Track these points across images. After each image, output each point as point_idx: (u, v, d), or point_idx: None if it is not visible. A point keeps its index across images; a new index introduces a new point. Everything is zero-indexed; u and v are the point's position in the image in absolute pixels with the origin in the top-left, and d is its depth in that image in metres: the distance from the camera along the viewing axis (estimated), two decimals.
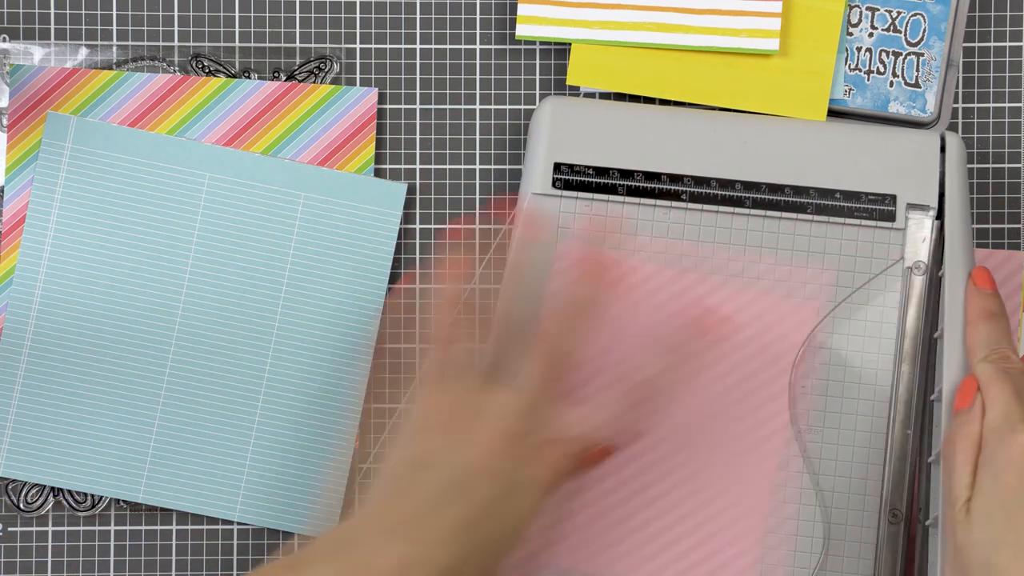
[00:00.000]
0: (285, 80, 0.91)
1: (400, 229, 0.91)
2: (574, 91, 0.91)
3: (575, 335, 0.84)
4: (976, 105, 0.92)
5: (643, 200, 0.88)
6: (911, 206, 0.88)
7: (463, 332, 0.85)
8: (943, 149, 0.88)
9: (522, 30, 0.91)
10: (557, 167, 0.88)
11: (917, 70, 0.90)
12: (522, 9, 0.90)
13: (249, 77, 0.90)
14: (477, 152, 0.92)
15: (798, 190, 0.88)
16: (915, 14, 0.90)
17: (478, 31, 0.92)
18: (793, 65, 0.89)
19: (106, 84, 0.90)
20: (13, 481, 0.91)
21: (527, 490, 0.80)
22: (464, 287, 0.87)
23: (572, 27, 0.90)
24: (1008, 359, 0.82)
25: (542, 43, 0.91)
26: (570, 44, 0.90)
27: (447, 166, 0.92)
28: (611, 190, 0.88)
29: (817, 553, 0.87)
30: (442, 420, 0.82)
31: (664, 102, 0.91)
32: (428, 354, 0.85)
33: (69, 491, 0.91)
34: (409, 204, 0.91)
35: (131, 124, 0.90)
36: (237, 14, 0.91)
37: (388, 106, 0.92)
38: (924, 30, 0.90)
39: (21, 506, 0.91)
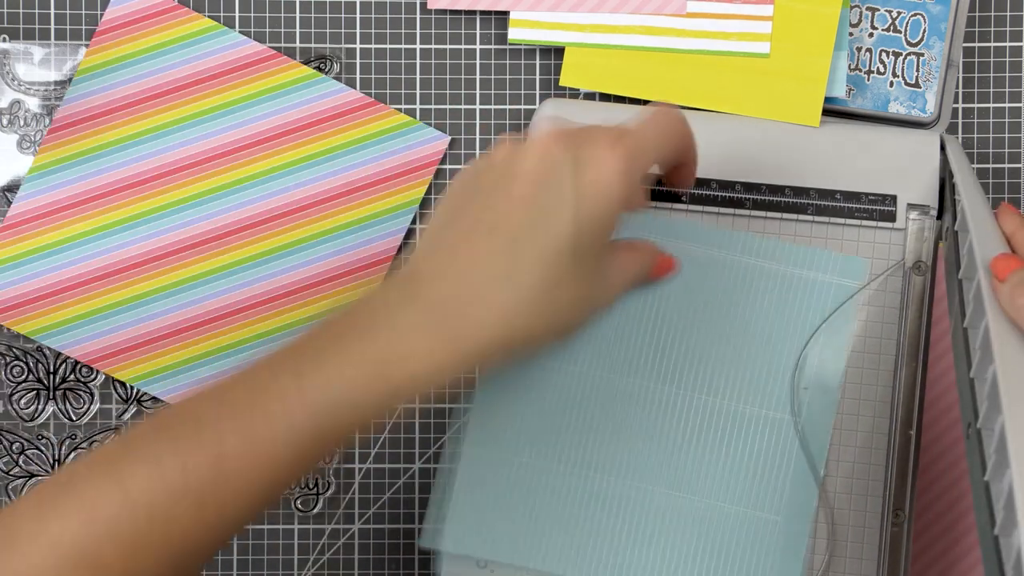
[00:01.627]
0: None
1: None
2: (574, 92, 0.91)
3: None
4: (976, 105, 0.92)
5: None
6: (911, 206, 0.88)
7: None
8: (943, 149, 0.88)
9: (514, 34, 0.91)
10: None
11: (917, 70, 0.90)
12: (514, 13, 0.90)
13: (339, 77, 0.91)
14: (477, 152, 0.92)
15: (798, 191, 0.88)
16: (915, 14, 0.90)
17: (478, 31, 0.92)
18: (786, 70, 0.89)
19: (185, 36, 0.90)
20: (14, 480, 0.91)
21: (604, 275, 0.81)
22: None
23: (564, 31, 0.90)
24: None
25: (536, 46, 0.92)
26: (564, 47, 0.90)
27: (447, 166, 0.92)
28: None
29: (821, 554, 0.87)
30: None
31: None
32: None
33: None
34: None
35: (198, 83, 0.90)
36: (237, 14, 0.91)
37: (388, 106, 0.92)
38: (924, 30, 0.90)
39: None
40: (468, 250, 0.78)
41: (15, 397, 0.91)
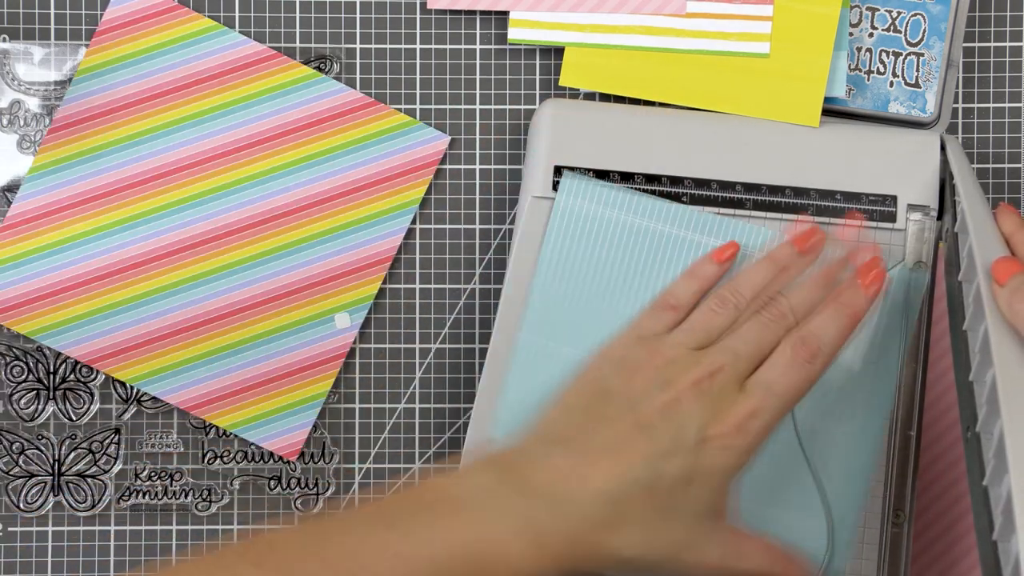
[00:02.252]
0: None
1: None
2: (574, 92, 0.91)
3: (835, 331, 0.84)
4: (976, 105, 0.92)
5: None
6: (911, 206, 0.88)
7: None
8: (943, 149, 0.88)
9: (514, 34, 0.91)
10: (557, 170, 0.88)
11: (917, 70, 0.90)
12: (514, 13, 0.90)
13: (339, 77, 0.91)
14: (477, 152, 0.92)
15: (798, 191, 0.88)
16: (915, 14, 0.90)
17: (478, 31, 0.92)
18: (786, 70, 0.89)
19: (185, 36, 0.90)
20: (14, 480, 0.91)
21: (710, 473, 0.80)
22: (721, 274, 0.87)
23: (564, 31, 0.90)
24: None
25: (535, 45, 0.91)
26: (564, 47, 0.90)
27: (447, 166, 0.92)
28: None
29: (820, 554, 0.87)
30: (647, 363, 0.82)
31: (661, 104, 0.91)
32: (649, 314, 0.85)
33: (69, 491, 0.91)
34: None
35: (198, 83, 0.90)
36: (237, 14, 0.91)
37: (388, 106, 0.92)
38: (924, 30, 0.90)
39: (21, 506, 0.91)
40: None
41: (15, 397, 0.91)
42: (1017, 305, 0.77)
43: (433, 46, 0.92)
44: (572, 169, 0.88)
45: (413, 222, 0.92)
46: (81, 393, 0.91)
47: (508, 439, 0.81)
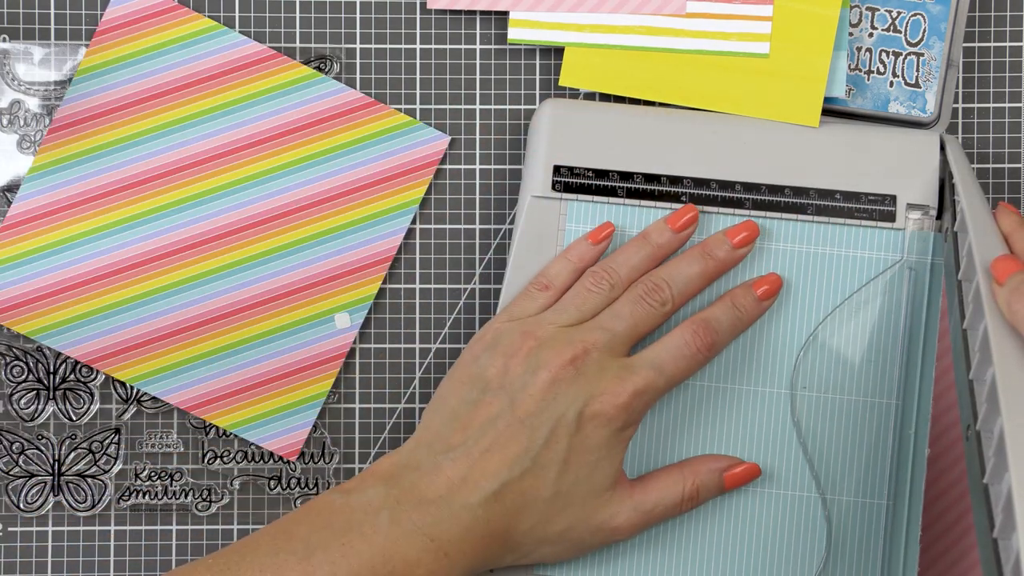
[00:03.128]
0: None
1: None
2: (574, 92, 0.91)
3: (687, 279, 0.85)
4: (976, 105, 0.92)
5: (643, 202, 0.88)
6: (911, 206, 0.88)
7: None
8: (943, 149, 0.88)
9: (514, 34, 0.91)
10: (557, 170, 0.88)
11: (917, 70, 0.90)
12: (514, 13, 0.90)
13: (339, 77, 0.91)
14: (477, 152, 0.92)
15: (798, 191, 0.88)
16: (915, 14, 0.90)
17: (478, 31, 0.92)
18: (785, 70, 0.89)
19: (185, 36, 0.90)
20: (14, 480, 0.91)
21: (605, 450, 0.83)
22: (598, 256, 0.87)
23: (564, 31, 0.90)
24: None
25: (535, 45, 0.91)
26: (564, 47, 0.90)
27: (447, 166, 0.92)
28: (611, 192, 0.88)
29: (820, 555, 0.87)
30: (519, 344, 0.83)
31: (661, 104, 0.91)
32: (523, 294, 0.86)
33: (69, 491, 0.91)
34: None
35: (198, 83, 0.90)
36: (237, 14, 0.91)
37: (388, 106, 0.92)
38: (924, 30, 0.90)
39: (21, 506, 0.91)
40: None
41: (15, 397, 0.91)
42: (1016, 304, 0.77)
43: (433, 46, 0.92)
44: (571, 170, 0.88)
45: (413, 222, 0.92)
46: (81, 393, 0.91)
47: (398, 448, 0.84)
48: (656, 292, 0.85)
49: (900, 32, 0.90)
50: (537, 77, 0.92)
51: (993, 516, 0.74)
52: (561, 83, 0.91)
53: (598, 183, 0.88)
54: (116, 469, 0.91)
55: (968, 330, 0.80)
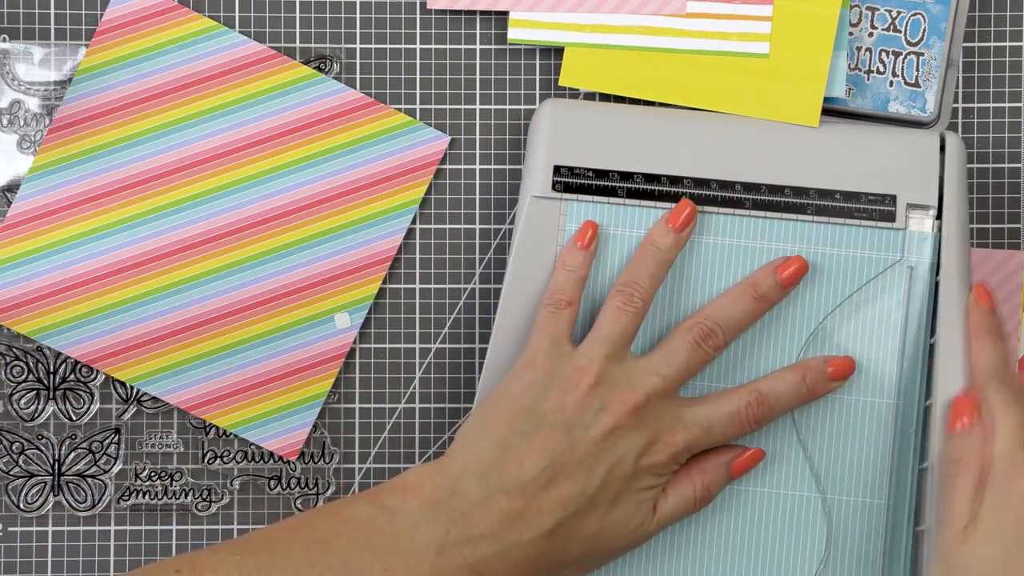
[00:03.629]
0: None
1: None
2: (574, 92, 0.91)
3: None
4: (976, 105, 0.92)
5: (643, 202, 0.88)
6: (911, 206, 0.88)
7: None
8: (943, 149, 0.88)
9: (514, 34, 0.91)
10: (557, 170, 0.88)
11: (917, 70, 0.90)
12: (514, 13, 0.90)
13: (339, 77, 0.91)
14: (477, 152, 0.92)
15: (798, 191, 0.88)
16: (915, 14, 0.90)
17: (478, 31, 0.92)
18: (785, 70, 0.89)
19: (185, 36, 0.90)
20: (14, 480, 0.91)
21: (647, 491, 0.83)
22: (591, 258, 0.87)
23: (564, 31, 0.90)
24: (1017, 381, 0.82)
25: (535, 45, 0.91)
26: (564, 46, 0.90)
27: (447, 166, 0.92)
28: (611, 192, 0.88)
29: (820, 555, 0.87)
30: (576, 380, 0.83)
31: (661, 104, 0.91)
32: (549, 315, 0.85)
33: (69, 491, 0.91)
34: None
35: (198, 83, 0.90)
36: (237, 14, 0.91)
37: (388, 106, 0.92)
38: (924, 30, 0.90)
39: (21, 506, 0.91)
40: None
41: (15, 397, 0.91)
42: (950, 467, 0.82)
43: (433, 46, 0.92)
44: (571, 170, 0.88)
45: (413, 222, 0.92)
46: (81, 393, 0.91)
47: (439, 466, 0.82)
48: (711, 337, 0.85)
49: (900, 32, 0.90)
50: (537, 77, 0.92)
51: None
52: (561, 83, 0.91)
53: (598, 183, 0.88)
54: (116, 469, 0.91)
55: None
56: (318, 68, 0.91)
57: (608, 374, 0.83)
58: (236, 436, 0.92)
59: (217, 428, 0.92)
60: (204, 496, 0.92)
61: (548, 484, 0.81)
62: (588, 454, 0.82)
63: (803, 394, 0.86)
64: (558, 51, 0.91)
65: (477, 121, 0.92)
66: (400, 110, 0.92)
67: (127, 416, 0.92)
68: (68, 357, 0.91)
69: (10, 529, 0.91)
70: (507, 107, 0.92)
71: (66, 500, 0.91)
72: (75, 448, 0.91)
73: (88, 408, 0.91)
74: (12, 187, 0.91)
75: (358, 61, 0.92)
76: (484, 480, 0.81)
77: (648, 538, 0.85)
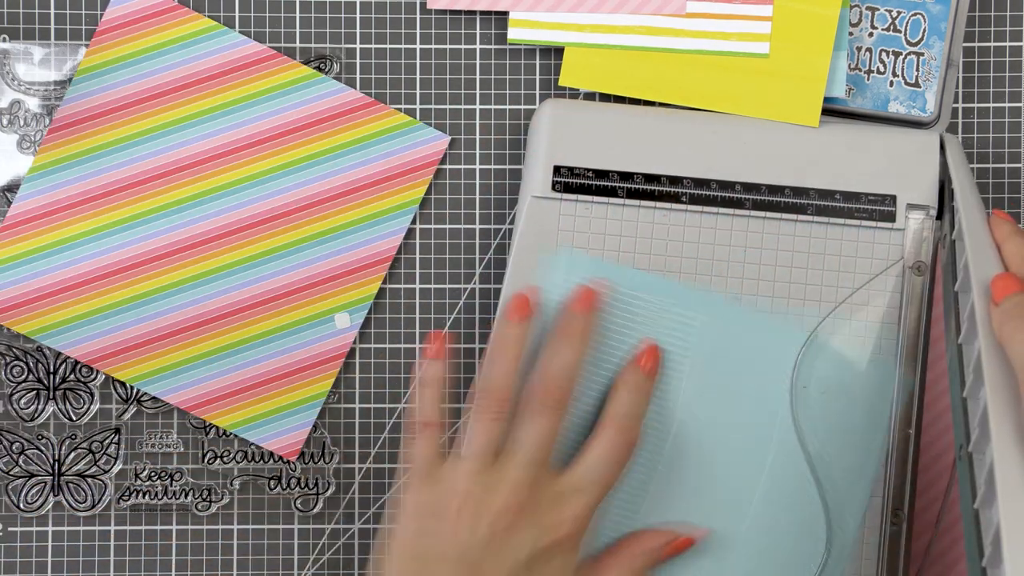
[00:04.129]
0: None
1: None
2: (574, 92, 0.91)
3: (569, 382, 0.85)
4: (976, 105, 0.92)
5: (643, 202, 0.88)
6: (911, 206, 0.88)
7: (444, 415, 0.85)
8: (943, 149, 0.88)
9: (514, 34, 0.91)
10: (557, 170, 0.88)
11: (917, 70, 0.90)
12: (514, 13, 0.90)
13: (339, 77, 0.91)
14: (477, 152, 0.92)
15: (798, 191, 0.88)
16: (915, 14, 0.90)
17: (478, 31, 0.92)
18: (785, 70, 0.89)
19: (185, 36, 0.90)
20: (14, 480, 0.91)
21: (557, 555, 0.83)
22: (446, 366, 0.86)
23: (564, 31, 0.90)
24: None
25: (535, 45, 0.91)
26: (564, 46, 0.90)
27: (447, 166, 0.92)
28: (611, 192, 0.88)
29: (820, 554, 0.87)
30: (445, 505, 0.82)
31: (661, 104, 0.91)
32: (413, 442, 0.84)
33: (69, 491, 0.91)
34: None
35: (198, 83, 0.90)
36: (237, 14, 0.91)
37: (388, 106, 0.92)
38: (924, 30, 0.90)
39: (21, 506, 0.91)
40: None
41: (15, 397, 0.91)
42: (1005, 327, 0.77)
43: (433, 46, 0.92)
44: (571, 170, 0.88)
45: (413, 222, 0.92)
46: (81, 393, 0.91)
47: None
48: (551, 395, 0.84)
49: (900, 32, 0.90)
50: (537, 77, 0.92)
51: (982, 544, 0.74)
52: (561, 83, 0.91)
53: (598, 183, 0.88)
54: (116, 469, 0.91)
55: (963, 345, 0.80)
56: (318, 68, 0.91)
57: (483, 487, 0.83)
58: (236, 436, 0.92)
59: (217, 428, 0.92)
60: (204, 496, 0.92)
61: None
62: (481, 570, 0.81)
63: (640, 400, 0.86)
64: (558, 51, 0.91)
65: (477, 121, 0.92)
66: (400, 110, 0.92)
67: (127, 416, 0.92)
68: (68, 357, 0.91)
69: (10, 529, 0.91)
70: (507, 107, 0.92)
71: (66, 500, 0.91)
72: (75, 448, 0.91)
73: (88, 408, 0.91)
74: (12, 187, 0.91)
75: (358, 61, 0.92)
76: None
77: None
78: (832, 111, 0.90)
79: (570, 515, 0.83)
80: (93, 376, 0.91)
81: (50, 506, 0.91)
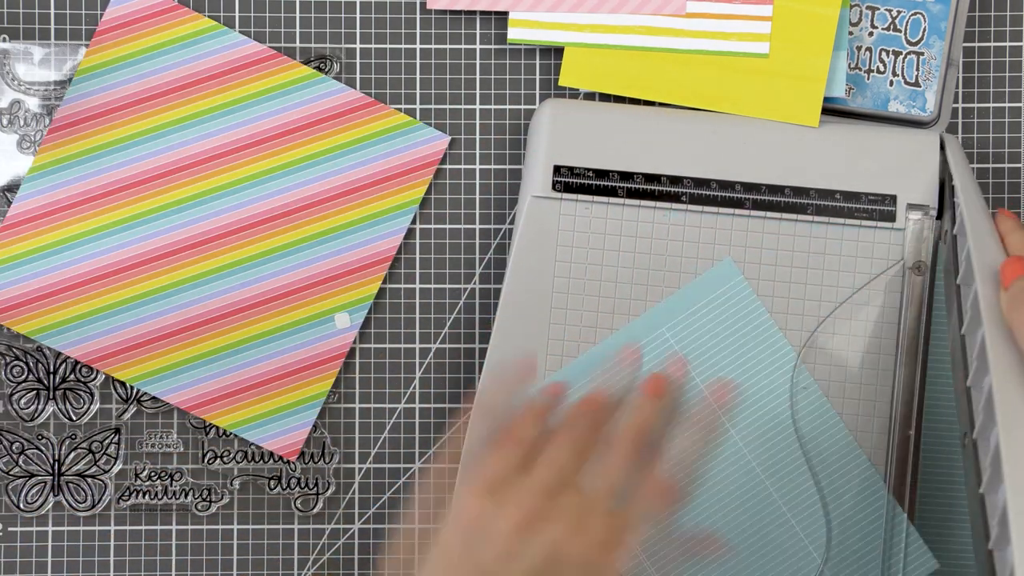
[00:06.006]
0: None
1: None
2: (574, 92, 0.92)
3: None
4: (976, 105, 0.92)
5: (643, 202, 0.88)
6: (911, 206, 0.88)
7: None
8: (943, 149, 0.88)
9: (514, 34, 0.91)
10: (557, 170, 0.88)
11: (917, 69, 0.90)
12: (514, 13, 0.90)
13: (339, 77, 0.91)
14: (477, 152, 0.92)
15: (798, 191, 0.88)
16: (915, 13, 0.90)
17: (477, 31, 0.92)
18: (785, 70, 0.89)
19: (185, 36, 0.90)
20: (14, 480, 0.91)
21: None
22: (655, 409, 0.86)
23: (563, 31, 0.90)
24: None
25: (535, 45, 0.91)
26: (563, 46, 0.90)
27: (447, 166, 0.92)
28: (611, 192, 0.88)
29: (820, 553, 0.87)
30: (503, 523, 0.81)
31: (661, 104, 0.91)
32: (490, 453, 0.83)
33: (69, 491, 0.91)
34: None
35: (198, 83, 0.90)
36: (237, 14, 0.91)
37: (388, 106, 0.92)
38: (924, 29, 0.90)
39: (21, 506, 0.91)
40: None
41: (15, 397, 0.91)
42: (1015, 312, 0.77)
43: (433, 46, 0.92)
44: (571, 170, 0.88)
45: (413, 222, 0.92)
46: (81, 393, 0.91)
47: None
48: (584, 419, 0.85)
49: (900, 31, 0.90)
50: (537, 77, 0.92)
51: (988, 528, 0.74)
52: (561, 83, 0.91)
53: (598, 183, 0.88)
54: (116, 469, 0.91)
55: (966, 335, 0.80)
56: (318, 68, 0.91)
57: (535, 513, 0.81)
58: (236, 436, 0.92)
59: (217, 428, 0.92)
60: (204, 496, 0.92)
61: None
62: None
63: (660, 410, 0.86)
64: (558, 51, 0.91)
65: (477, 121, 0.92)
66: (400, 110, 0.92)
67: (127, 416, 0.92)
68: (68, 357, 0.91)
69: (10, 529, 0.91)
70: (507, 107, 0.92)
71: (66, 500, 0.91)
72: (75, 448, 0.91)
73: (88, 408, 0.91)
74: (12, 187, 0.91)
75: (358, 61, 0.92)
76: None
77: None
78: (832, 111, 0.90)
79: (617, 550, 0.81)
80: (93, 376, 0.91)
81: (50, 506, 0.91)
